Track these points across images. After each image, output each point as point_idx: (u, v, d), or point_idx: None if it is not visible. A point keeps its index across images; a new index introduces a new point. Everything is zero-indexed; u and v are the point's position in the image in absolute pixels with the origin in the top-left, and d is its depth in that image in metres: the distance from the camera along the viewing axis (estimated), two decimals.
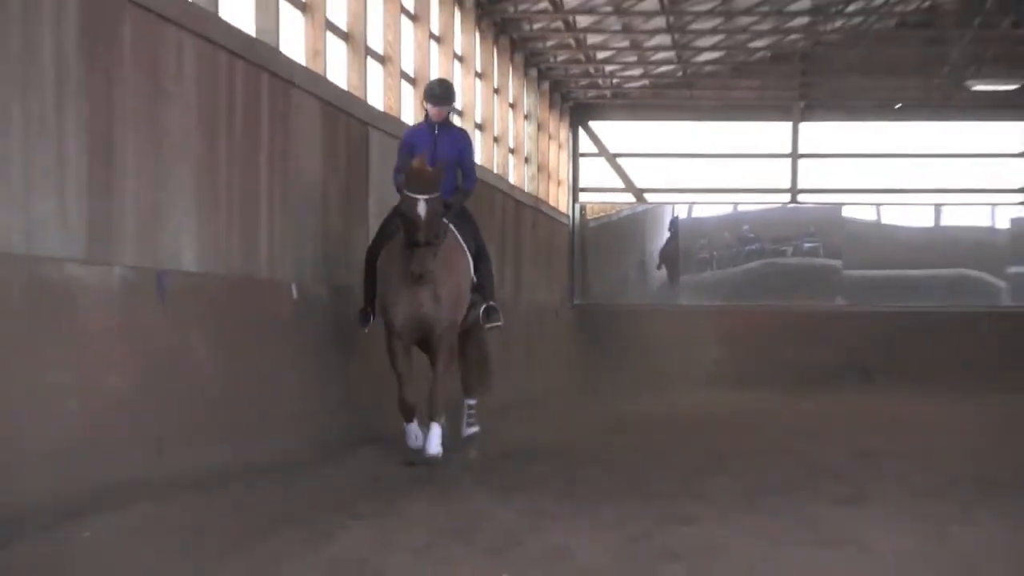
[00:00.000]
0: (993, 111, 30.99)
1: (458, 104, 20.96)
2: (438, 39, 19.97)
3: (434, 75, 18.12)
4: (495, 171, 23.79)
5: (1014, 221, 31.65)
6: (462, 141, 12.45)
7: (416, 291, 11.56)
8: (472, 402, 12.90)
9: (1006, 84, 28.83)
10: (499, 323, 12.70)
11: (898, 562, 7.36)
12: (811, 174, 32.26)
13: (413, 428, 12.02)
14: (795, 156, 32.09)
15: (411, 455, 12.00)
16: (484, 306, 12.44)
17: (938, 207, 32.06)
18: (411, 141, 12.20)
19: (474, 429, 12.84)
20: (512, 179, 25.45)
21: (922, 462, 13.09)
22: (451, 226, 11.82)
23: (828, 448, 14.52)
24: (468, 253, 12.10)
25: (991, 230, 31.76)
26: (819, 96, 31.73)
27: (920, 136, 31.87)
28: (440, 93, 12.37)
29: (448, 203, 11.65)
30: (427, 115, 12.40)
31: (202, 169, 11.00)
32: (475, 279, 12.23)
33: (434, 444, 11.88)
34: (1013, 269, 31.21)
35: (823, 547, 7.80)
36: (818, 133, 32.18)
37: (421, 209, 11.10)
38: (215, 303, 10.95)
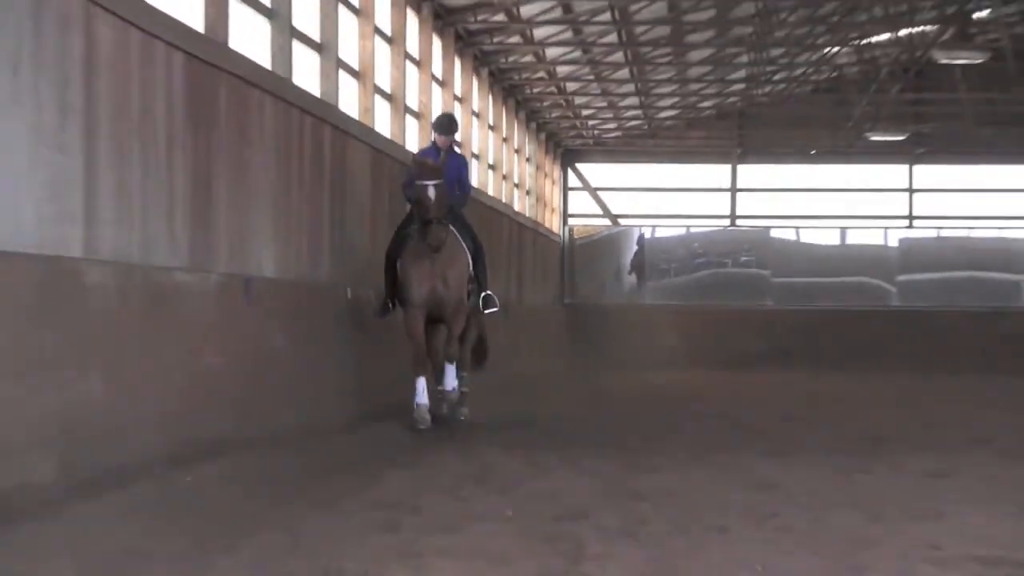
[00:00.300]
0: (886, 156, 31.17)
1: (468, 145, 21.04)
2: (460, 99, 20.05)
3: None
4: (503, 200, 23.82)
5: (901, 240, 31.88)
6: (461, 162, 12.09)
7: (431, 275, 11.12)
8: (464, 374, 12.08)
9: (895, 135, 29.04)
10: (496, 308, 12.18)
11: (814, 501, 7.36)
12: (746, 204, 32.33)
13: (421, 384, 11.28)
14: (734, 190, 32.22)
15: (416, 411, 11.28)
16: (483, 294, 11.88)
17: (843, 230, 32.16)
18: (423, 156, 11.69)
19: (464, 388, 11.97)
20: (516, 207, 25.54)
21: (831, 425, 13.09)
22: (453, 229, 11.35)
23: (759, 414, 14.52)
24: (467, 251, 11.61)
25: (884, 247, 31.89)
26: (752, 144, 31.80)
27: (830, 175, 32.00)
28: (447, 124, 11.97)
29: (450, 207, 11.22)
30: (434, 141, 11.97)
31: (279, 199, 11.03)
32: (472, 273, 11.71)
33: (449, 381, 11.48)
34: (901, 277, 31.42)
35: (757, 491, 7.79)
36: (751, 173, 32.26)
37: (431, 192, 10.76)
38: (288, 301, 10.96)
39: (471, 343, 12.25)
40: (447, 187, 11.00)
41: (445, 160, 11.24)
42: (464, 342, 12.00)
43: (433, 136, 12.05)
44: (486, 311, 12.01)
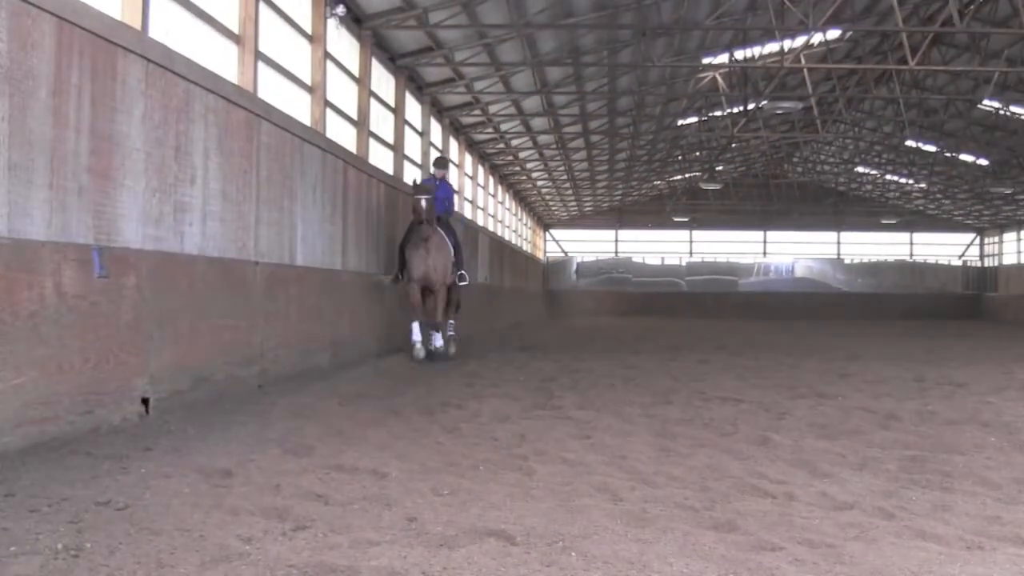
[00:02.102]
0: (679, 227, 31.15)
1: (505, 221, 20.65)
2: (502, 204, 19.62)
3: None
4: (521, 246, 23.66)
5: (687, 263, 31.76)
6: (450, 189, 8.58)
7: (425, 261, 7.87)
8: (452, 322, 8.64)
9: (684, 218, 29.26)
10: (466, 282, 8.45)
11: (649, 374, 7.23)
12: (622, 248, 32.12)
13: (415, 326, 7.92)
14: (616, 241, 32.04)
15: (413, 349, 7.88)
16: (458, 272, 8.27)
17: (663, 257, 32.01)
18: (423, 183, 8.08)
19: (451, 332, 8.57)
20: (526, 248, 25.32)
21: (658, 339, 12.82)
22: (441, 231, 8.06)
23: (628, 335, 14.32)
24: (451, 247, 8.10)
25: (679, 265, 31.74)
26: (624, 222, 31.71)
27: (657, 235, 31.70)
28: (441, 162, 8.46)
29: (440, 217, 8.14)
30: (432, 174, 8.47)
31: (389, 235, 10.74)
32: (453, 261, 8.15)
33: (437, 341, 7.99)
34: (687, 278, 31.27)
35: (626, 369, 7.65)
36: (624, 234, 32.02)
37: (424, 203, 7.64)
38: (380, 289, 10.66)
39: (453, 304, 8.60)
40: (435, 202, 7.90)
41: (436, 185, 8.21)
42: (448, 305, 8.39)
43: (432, 170, 8.54)
44: (460, 284, 8.41)
